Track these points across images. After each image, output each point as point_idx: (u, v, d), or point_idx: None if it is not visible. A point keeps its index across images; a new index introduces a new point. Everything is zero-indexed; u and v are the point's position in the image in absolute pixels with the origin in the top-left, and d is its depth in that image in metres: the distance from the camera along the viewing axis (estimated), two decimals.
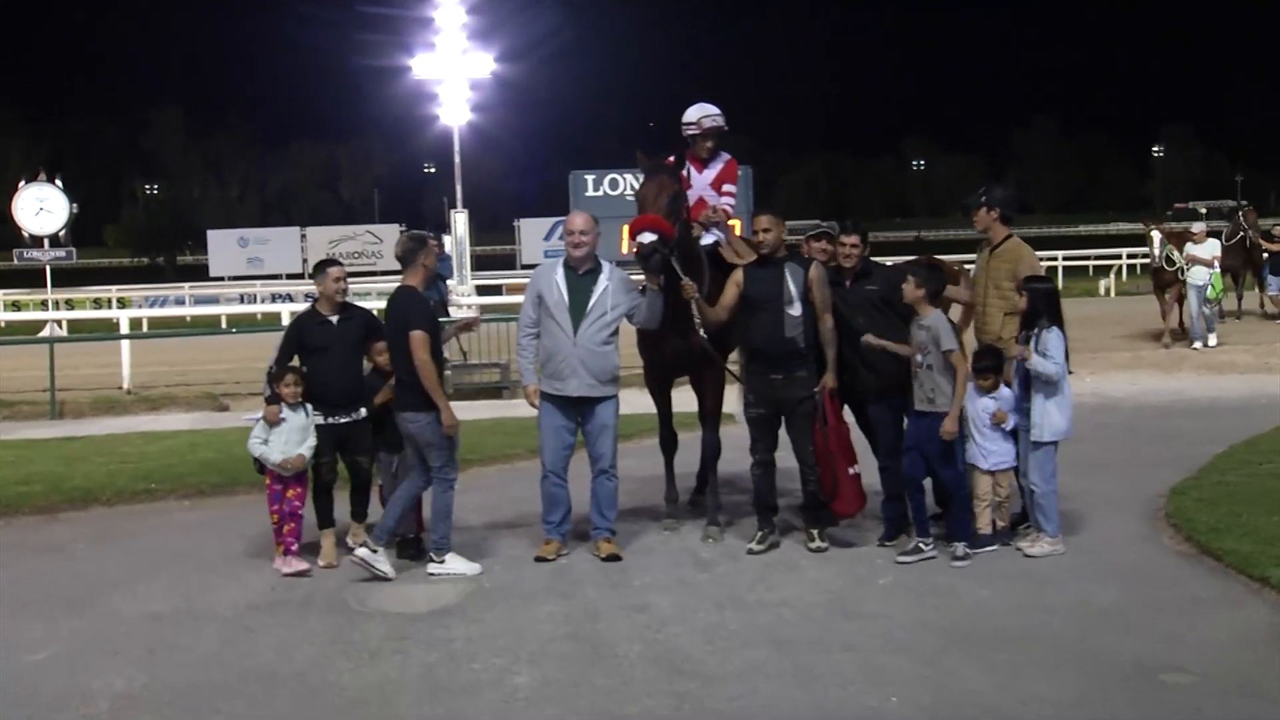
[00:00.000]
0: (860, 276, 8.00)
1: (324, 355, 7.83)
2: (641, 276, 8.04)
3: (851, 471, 7.80)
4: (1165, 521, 8.08)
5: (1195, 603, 6.50)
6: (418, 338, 7.32)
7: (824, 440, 7.76)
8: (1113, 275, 37.77)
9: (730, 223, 8.92)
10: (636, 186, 8.15)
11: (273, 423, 7.65)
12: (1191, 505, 8.20)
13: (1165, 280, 18.95)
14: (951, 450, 7.55)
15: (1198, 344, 18.39)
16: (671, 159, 8.46)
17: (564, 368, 7.77)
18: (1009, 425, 7.59)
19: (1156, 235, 19.03)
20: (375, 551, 7.45)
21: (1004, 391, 7.63)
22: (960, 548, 7.46)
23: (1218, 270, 19.06)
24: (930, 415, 7.50)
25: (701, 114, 8.86)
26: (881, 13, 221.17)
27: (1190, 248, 18.87)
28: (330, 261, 8.17)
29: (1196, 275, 18.56)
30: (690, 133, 8.88)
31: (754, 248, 8.02)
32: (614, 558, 7.76)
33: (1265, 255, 22.31)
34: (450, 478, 7.62)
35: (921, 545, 7.54)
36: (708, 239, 8.56)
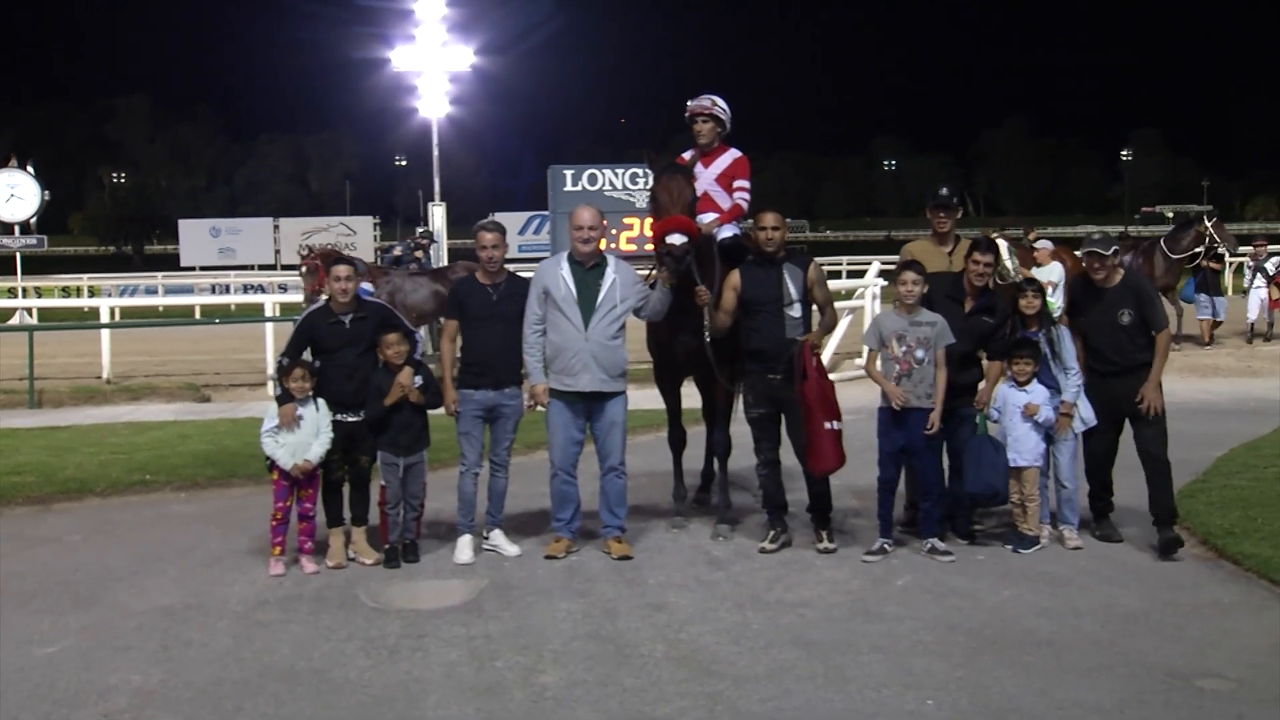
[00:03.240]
0: (982, 310, 7.82)
1: (332, 357, 7.65)
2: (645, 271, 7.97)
3: (828, 426, 7.50)
4: (1178, 525, 8.04)
5: (1220, 607, 6.48)
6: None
7: (800, 392, 7.57)
8: None
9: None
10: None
11: (288, 425, 7.44)
12: (1203, 509, 8.20)
13: None
14: (933, 444, 7.60)
15: None
16: (684, 157, 8.39)
17: (575, 363, 7.65)
18: (1040, 418, 7.60)
19: (1003, 244, 15.20)
20: (485, 538, 7.90)
21: (1036, 385, 7.65)
22: (935, 543, 7.50)
23: (1051, 299, 14.30)
24: (920, 410, 7.50)
25: (701, 99, 8.66)
26: (853, 12, 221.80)
27: (1035, 271, 14.65)
28: (338, 259, 7.93)
29: None
30: (687, 115, 8.68)
31: (758, 246, 7.89)
32: (625, 557, 7.67)
33: (1199, 269, 19.38)
34: (462, 462, 7.98)
35: (886, 546, 7.58)
36: (724, 233, 8.45)
